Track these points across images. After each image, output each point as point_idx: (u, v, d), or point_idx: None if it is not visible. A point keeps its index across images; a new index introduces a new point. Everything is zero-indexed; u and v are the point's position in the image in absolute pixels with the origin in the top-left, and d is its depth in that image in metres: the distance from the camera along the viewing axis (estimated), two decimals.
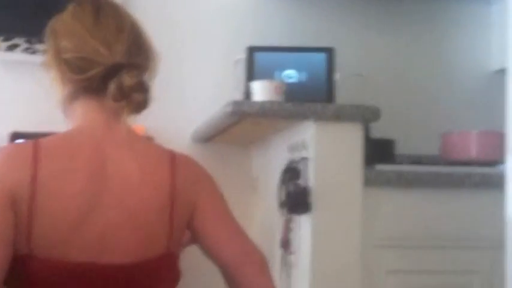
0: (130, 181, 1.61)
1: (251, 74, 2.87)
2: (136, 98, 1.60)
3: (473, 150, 2.73)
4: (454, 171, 2.46)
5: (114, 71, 1.60)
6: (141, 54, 1.67)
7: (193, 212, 1.69)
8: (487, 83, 3.29)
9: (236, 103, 2.36)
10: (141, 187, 1.62)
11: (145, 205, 1.61)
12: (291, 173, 2.39)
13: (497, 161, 2.39)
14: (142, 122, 2.87)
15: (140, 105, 1.62)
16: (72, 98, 1.67)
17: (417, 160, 2.79)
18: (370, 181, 2.35)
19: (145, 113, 1.66)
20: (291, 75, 2.90)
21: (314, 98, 2.72)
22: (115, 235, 1.58)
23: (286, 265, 2.43)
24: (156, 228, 1.63)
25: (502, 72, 1.75)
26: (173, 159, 1.68)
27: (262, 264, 1.73)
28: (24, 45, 2.99)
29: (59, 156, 1.58)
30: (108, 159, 1.61)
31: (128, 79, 1.59)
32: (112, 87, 1.59)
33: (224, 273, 1.72)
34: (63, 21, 1.67)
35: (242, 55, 2.97)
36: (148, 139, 2.28)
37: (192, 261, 1.96)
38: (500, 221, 1.70)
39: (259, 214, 2.99)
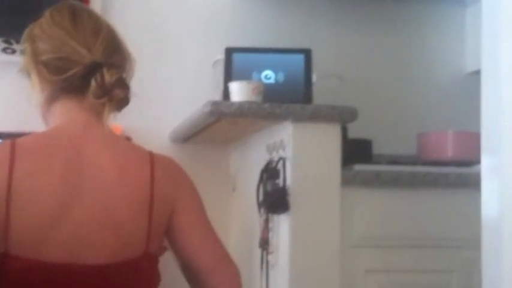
0: (108, 181, 1.61)
1: (229, 74, 2.87)
2: (118, 94, 1.61)
3: (449, 151, 2.74)
4: (431, 171, 2.48)
5: (94, 70, 1.61)
6: (119, 54, 1.69)
7: (172, 215, 1.70)
8: (462, 85, 3.31)
9: (214, 103, 2.37)
10: (120, 187, 1.62)
11: (123, 206, 1.61)
12: (270, 173, 2.39)
13: (473, 161, 2.40)
14: (120, 122, 2.87)
15: (121, 102, 1.63)
16: (51, 99, 1.68)
17: (394, 160, 2.80)
18: (348, 181, 2.36)
19: (123, 112, 1.67)
20: (269, 76, 2.90)
21: (292, 98, 2.71)
22: (92, 235, 1.58)
23: (265, 264, 2.43)
24: (134, 229, 1.63)
25: (476, 74, 1.76)
26: (153, 160, 1.68)
27: (233, 276, 1.74)
28: (3, 45, 2.97)
29: (35, 156, 1.59)
30: (86, 159, 1.61)
31: (108, 76, 1.60)
32: (93, 84, 1.60)
33: (193, 278, 1.73)
34: (40, 27, 1.69)
35: (220, 56, 2.97)
36: (127, 139, 2.28)
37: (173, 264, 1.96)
38: (476, 220, 1.72)
39: (237, 214, 2.99)
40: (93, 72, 1.60)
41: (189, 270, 1.74)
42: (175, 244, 1.73)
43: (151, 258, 1.67)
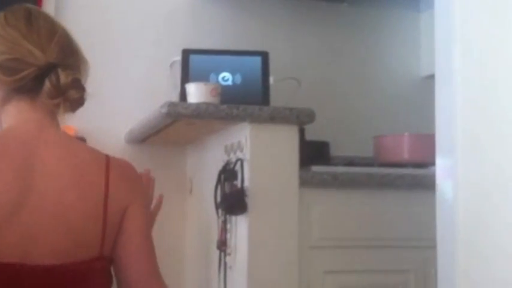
0: (60, 182, 1.60)
1: (186, 76, 2.86)
2: (73, 95, 1.61)
3: (405, 153, 2.76)
4: (387, 172, 2.50)
5: (48, 71, 1.60)
6: (74, 56, 1.68)
7: (124, 217, 1.69)
8: (418, 88, 3.35)
9: (171, 104, 2.36)
10: (74, 190, 1.60)
11: (77, 208, 1.60)
12: (227, 174, 2.39)
13: (429, 162, 2.43)
14: (75, 123, 2.86)
15: (76, 103, 1.63)
16: (5, 100, 1.66)
17: (351, 162, 2.82)
18: (305, 182, 2.37)
19: (78, 113, 1.67)
20: (226, 78, 2.90)
21: (249, 100, 2.72)
22: (44, 236, 1.57)
23: (223, 266, 2.43)
24: (87, 230, 1.61)
25: (432, 77, 1.77)
26: (108, 162, 1.67)
27: None
28: None
29: None
30: (38, 160, 1.60)
31: (63, 77, 1.60)
32: (47, 84, 1.59)
33: (123, 284, 1.72)
34: None
35: (177, 57, 2.96)
36: (81, 140, 2.26)
37: None
38: (432, 220, 1.73)
39: (195, 216, 2.98)
40: (48, 73, 1.60)
41: (122, 276, 1.72)
42: (115, 247, 1.71)
43: (106, 259, 1.66)
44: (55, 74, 1.60)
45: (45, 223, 1.57)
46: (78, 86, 1.62)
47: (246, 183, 2.32)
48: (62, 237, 1.59)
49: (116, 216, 1.66)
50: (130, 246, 1.70)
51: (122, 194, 1.67)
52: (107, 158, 1.68)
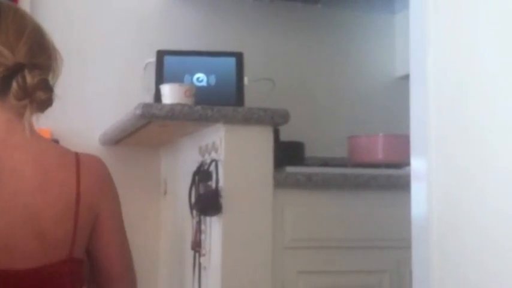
0: (28, 184, 1.57)
1: (161, 77, 2.86)
2: (40, 96, 1.58)
3: (379, 153, 2.76)
4: (362, 173, 2.50)
5: (16, 71, 1.57)
6: (44, 54, 1.65)
7: (95, 221, 1.67)
8: (393, 89, 3.36)
9: (145, 105, 2.35)
10: (44, 193, 1.58)
11: (45, 209, 1.58)
12: (202, 175, 2.39)
13: (403, 163, 2.44)
14: (48, 125, 2.84)
15: (44, 104, 1.60)
16: None
17: (326, 162, 2.82)
18: (280, 183, 2.37)
19: (52, 115, 1.65)
20: (200, 79, 2.90)
21: (224, 101, 2.72)
22: (13, 240, 1.55)
23: (198, 267, 2.43)
24: (58, 233, 1.59)
25: (406, 78, 1.78)
26: (78, 161, 1.65)
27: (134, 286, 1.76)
28: None
29: None
30: (5, 163, 1.57)
31: (30, 77, 1.57)
32: (14, 85, 1.56)
33: (94, 277, 1.72)
34: None
35: (152, 58, 2.96)
36: (54, 142, 2.24)
37: None
38: (407, 221, 1.73)
39: (169, 217, 2.97)
40: (16, 73, 1.57)
41: (98, 275, 1.72)
42: (89, 247, 1.71)
43: (75, 261, 1.64)
44: (22, 75, 1.57)
45: (15, 227, 1.55)
46: (46, 87, 1.59)
47: (221, 184, 2.32)
48: (31, 241, 1.57)
49: (87, 219, 1.65)
50: (107, 248, 1.70)
51: (94, 193, 1.65)
52: (77, 156, 1.66)
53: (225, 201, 2.30)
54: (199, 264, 2.43)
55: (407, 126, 1.73)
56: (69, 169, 1.63)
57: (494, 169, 1.41)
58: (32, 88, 1.57)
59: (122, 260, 1.74)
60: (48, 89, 1.60)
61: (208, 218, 2.39)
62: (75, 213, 1.60)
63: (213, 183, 2.34)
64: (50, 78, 1.64)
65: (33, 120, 1.63)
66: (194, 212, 2.43)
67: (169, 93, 2.48)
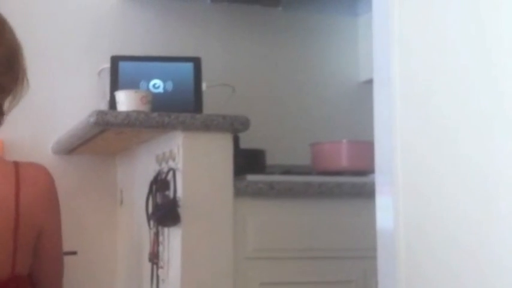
0: None
1: (116, 84, 2.81)
2: None
3: (343, 160, 2.75)
4: (325, 181, 2.50)
5: None
6: (9, 76, 1.60)
7: (40, 235, 1.63)
8: (356, 93, 3.33)
9: (100, 113, 2.33)
10: None
11: None
12: (159, 184, 2.38)
13: (368, 170, 2.42)
14: (0, 134, 2.77)
15: None
16: None
17: (288, 170, 2.82)
18: (240, 192, 2.37)
19: (3, 123, 1.60)
20: (157, 85, 2.86)
21: (182, 108, 2.70)
22: None
23: (156, 280, 2.40)
24: None
25: (370, 82, 1.77)
26: (18, 173, 1.59)
27: None
28: None
29: None
30: None
31: None
32: None
33: None
34: None
35: (106, 64, 2.91)
36: None
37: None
38: (372, 229, 1.71)
39: (126, 228, 2.94)
40: None
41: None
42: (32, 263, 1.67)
43: (19, 279, 1.59)
44: None
45: None
46: None
47: (179, 194, 2.30)
48: None
49: (29, 236, 1.59)
50: (43, 265, 1.68)
51: (35, 209, 1.59)
52: (16, 167, 1.59)
53: (183, 211, 2.28)
54: (157, 276, 2.40)
55: (372, 132, 1.70)
56: (7, 181, 1.56)
57: (464, 175, 1.38)
58: None
59: (59, 277, 1.72)
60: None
61: (166, 229, 2.37)
62: (14, 229, 1.55)
63: (170, 193, 2.32)
64: (7, 102, 1.60)
65: None
66: (151, 222, 2.41)
67: (125, 100, 2.45)
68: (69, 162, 3.00)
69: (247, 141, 2.71)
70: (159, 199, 2.36)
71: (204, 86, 2.89)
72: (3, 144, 2.83)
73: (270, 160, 2.91)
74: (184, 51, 3.04)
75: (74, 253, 2.65)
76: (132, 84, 2.77)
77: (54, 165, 2.91)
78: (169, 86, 2.88)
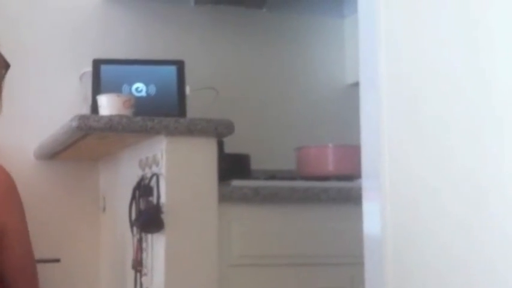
0: None
1: (98, 87, 2.79)
2: None
3: (330, 165, 2.73)
4: (311, 185, 2.49)
5: None
6: None
7: (3, 234, 1.63)
8: (342, 96, 3.31)
9: (82, 117, 2.31)
10: None
11: None
12: (142, 189, 2.35)
13: (355, 175, 2.40)
14: None
15: None
16: None
17: (273, 175, 2.81)
18: (225, 197, 2.35)
19: None
20: (140, 88, 2.84)
21: (165, 112, 2.67)
22: None
23: (140, 287, 2.38)
24: None
25: (357, 85, 1.76)
26: None
27: None
28: None
29: None
30: None
31: None
32: None
33: None
34: None
35: (88, 68, 2.87)
36: None
37: None
38: (359, 235, 1.70)
39: (109, 234, 2.91)
40: None
41: None
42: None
43: None
44: None
45: None
46: None
47: (162, 200, 2.28)
48: None
49: None
50: (13, 262, 1.68)
51: None
52: None
53: (167, 217, 2.26)
54: (141, 284, 2.38)
55: (359, 136, 1.68)
56: None
57: (453, 180, 1.36)
58: None
59: (32, 274, 1.72)
60: None
61: (149, 236, 2.35)
62: None
63: (154, 199, 2.30)
64: None
65: None
66: (135, 229, 2.39)
67: (107, 104, 2.42)
68: (51, 167, 2.97)
69: (232, 145, 2.69)
70: (142, 205, 2.33)
71: (187, 89, 2.86)
72: None
73: (254, 165, 2.89)
74: (168, 54, 3.01)
75: (57, 260, 2.62)
76: (115, 88, 2.73)
77: (36, 171, 2.89)
78: (152, 89, 2.85)
